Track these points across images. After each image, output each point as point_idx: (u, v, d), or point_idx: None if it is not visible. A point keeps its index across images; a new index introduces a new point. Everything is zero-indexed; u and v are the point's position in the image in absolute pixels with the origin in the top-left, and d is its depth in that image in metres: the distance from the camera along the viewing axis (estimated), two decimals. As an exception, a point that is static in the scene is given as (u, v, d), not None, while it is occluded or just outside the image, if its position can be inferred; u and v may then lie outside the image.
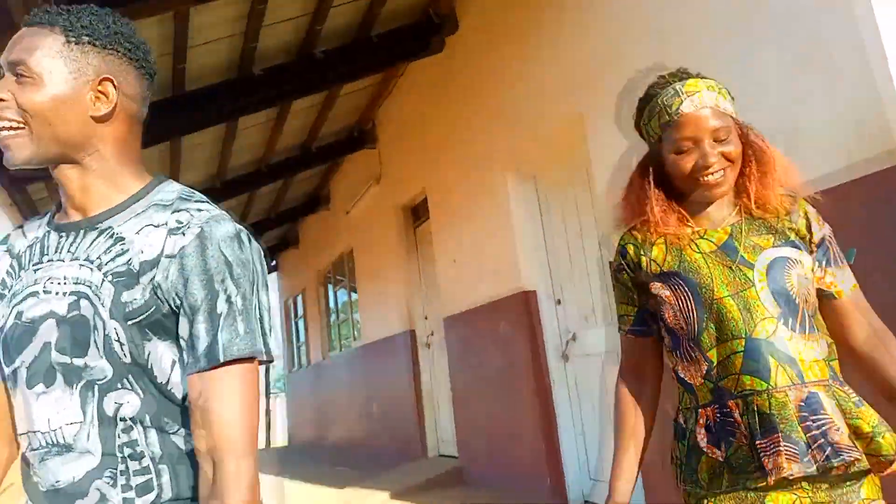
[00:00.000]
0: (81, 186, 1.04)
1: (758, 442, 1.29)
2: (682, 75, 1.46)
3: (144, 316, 0.97)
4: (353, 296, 9.61)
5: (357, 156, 8.15)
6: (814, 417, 1.28)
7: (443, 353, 6.30)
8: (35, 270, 1.01)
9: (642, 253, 1.48)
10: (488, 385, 5.26)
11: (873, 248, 2.37)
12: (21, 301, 0.98)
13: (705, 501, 1.37)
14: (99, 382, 0.97)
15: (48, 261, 1.01)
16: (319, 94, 6.06)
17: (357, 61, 5.37)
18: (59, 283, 0.98)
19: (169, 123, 4.76)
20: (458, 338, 5.84)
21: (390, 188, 7.53)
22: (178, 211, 1.03)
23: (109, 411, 0.97)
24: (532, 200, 4.94)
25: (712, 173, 1.38)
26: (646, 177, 1.49)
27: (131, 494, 0.96)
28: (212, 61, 4.69)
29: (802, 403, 1.29)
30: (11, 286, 1.02)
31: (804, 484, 1.30)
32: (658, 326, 1.50)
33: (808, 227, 1.41)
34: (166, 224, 1.01)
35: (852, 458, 1.26)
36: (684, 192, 1.46)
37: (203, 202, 1.06)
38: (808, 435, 1.27)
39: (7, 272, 1.05)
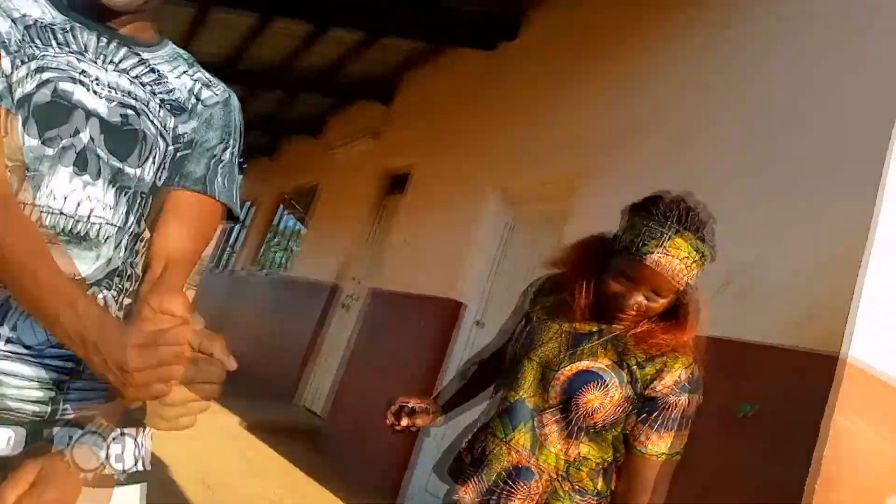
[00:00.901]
0: (137, 20, 1.06)
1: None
2: (680, 227, 1.42)
3: (179, 142, 1.07)
4: (301, 228, 9.58)
5: (366, 104, 8.12)
6: (510, 482, 1.43)
7: (354, 320, 6.33)
8: (75, 57, 0.99)
9: (540, 290, 1.67)
10: (383, 367, 5.32)
11: (774, 406, 2.51)
12: (59, 79, 0.96)
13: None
14: (132, 188, 1.01)
15: (87, 58, 1.00)
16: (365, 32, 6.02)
17: (416, 25, 5.37)
18: (107, 88, 1.00)
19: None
20: (377, 313, 5.88)
21: (382, 149, 7.52)
22: (199, 70, 1.13)
23: (137, 219, 1.03)
24: (500, 222, 5.02)
25: (626, 315, 1.45)
26: (594, 259, 1.53)
27: (123, 287, 1.06)
28: None
29: (512, 468, 1.44)
30: (33, 54, 0.97)
31: None
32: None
33: (652, 380, 1.45)
34: (196, 77, 1.12)
35: None
36: (604, 303, 1.51)
37: (209, 75, 1.18)
38: (490, 488, 1.45)
39: (25, 37, 0.97)
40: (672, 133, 3.65)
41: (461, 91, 6.23)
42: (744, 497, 2.54)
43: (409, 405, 1.69)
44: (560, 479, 1.45)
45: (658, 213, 1.44)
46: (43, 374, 0.93)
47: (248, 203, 12.83)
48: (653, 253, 1.39)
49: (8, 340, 0.92)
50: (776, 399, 2.58)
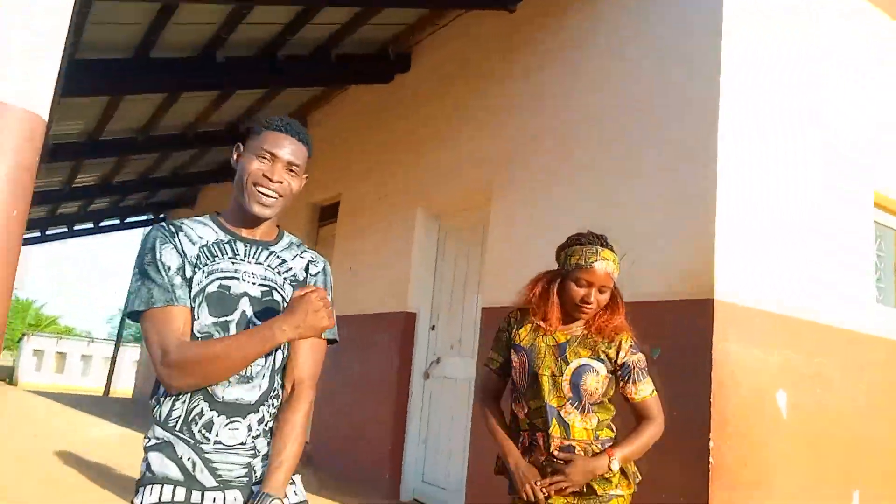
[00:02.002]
0: (266, 224, 1.66)
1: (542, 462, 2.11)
2: (605, 243, 2.18)
3: None
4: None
5: (281, 144, 8.58)
6: (563, 456, 2.10)
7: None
8: (231, 262, 1.59)
9: (515, 327, 2.27)
10: (355, 383, 5.90)
11: (667, 350, 3.27)
12: (224, 279, 1.56)
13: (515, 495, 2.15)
14: (277, 347, 1.58)
15: (241, 260, 1.60)
16: (264, 88, 6.54)
17: (314, 74, 5.93)
18: (251, 276, 1.60)
19: (127, 82, 5.13)
20: (339, 336, 6.42)
21: (308, 185, 8.00)
22: (304, 251, 1.73)
23: (277, 363, 1.62)
24: (433, 237, 5.68)
25: (587, 309, 2.16)
26: (553, 286, 2.22)
27: (275, 410, 1.62)
28: (185, 38, 5.12)
29: (561, 448, 2.11)
30: (208, 264, 1.56)
31: (572, 498, 2.10)
32: (509, 374, 2.28)
33: (616, 354, 2.17)
34: (304, 258, 1.71)
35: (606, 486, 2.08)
36: (565, 304, 2.20)
37: (310, 250, 1.77)
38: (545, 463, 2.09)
39: (200, 254, 1.57)
40: (560, 141, 4.38)
41: (368, 122, 6.82)
42: (673, 409, 3.29)
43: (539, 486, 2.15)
44: (591, 442, 2.11)
45: (587, 240, 2.20)
46: (241, 459, 1.56)
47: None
48: (597, 262, 2.12)
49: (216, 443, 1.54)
50: (674, 340, 3.34)
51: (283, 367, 1.64)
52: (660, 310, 3.40)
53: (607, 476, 2.09)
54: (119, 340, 18.70)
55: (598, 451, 2.11)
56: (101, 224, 13.81)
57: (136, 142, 7.45)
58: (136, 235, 17.84)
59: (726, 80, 3.45)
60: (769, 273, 3.50)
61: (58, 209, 11.29)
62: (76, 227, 13.55)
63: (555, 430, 2.11)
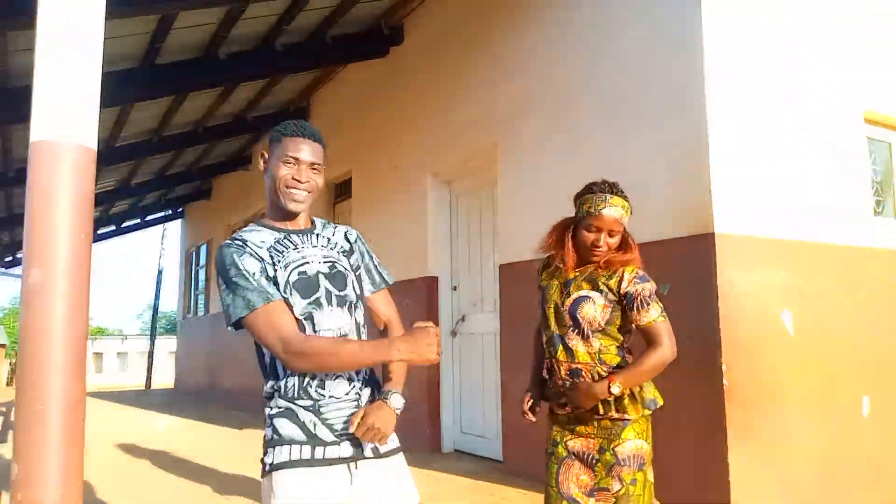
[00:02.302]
0: (303, 215, 1.93)
1: (560, 384, 2.39)
2: (614, 190, 2.37)
3: (356, 269, 1.96)
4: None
5: (287, 127, 8.80)
6: (570, 378, 2.36)
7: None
8: (296, 252, 1.86)
9: (540, 273, 2.55)
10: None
11: (676, 284, 3.51)
12: (299, 266, 1.85)
13: (551, 414, 2.45)
14: (353, 303, 1.89)
15: (302, 247, 1.88)
16: (267, 77, 6.73)
17: (312, 58, 6.11)
18: (316, 257, 1.88)
19: (138, 89, 5.36)
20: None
21: (316, 164, 8.24)
22: (337, 226, 2.02)
23: (359, 318, 1.91)
24: (445, 202, 5.90)
25: (598, 252, 2.38)
26: (568, 231, 2.45)
27: (364, 368, 1.91)
28: (187, 40, 5.32)
29: (570, 371, 2.37)
30: (280, 259, 1.84)
31: (594, 421, 2.35)
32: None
33: (618, 285, 2.37)
34: (339, 231, 2.01)
35: (622, 410, 2.32)
36: (582, 255, 2.43)
37: (339, 225, 2.06)
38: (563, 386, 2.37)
39: (271, 253, 1.84)
40: (558, 99, 4.55)
41: (369, 96, 7.01)
42: (680, 340, 3.54)
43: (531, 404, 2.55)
44: (595, 365, 2.33)
45: (598, 189, 2.40)
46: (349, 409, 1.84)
47: (202, 245, 13.41)
48: (605, 209, 2.32)
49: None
50: (681, 275, 3.57)
51: (366, 326, 1.96)
52: (665, 249, 3.62)
53: (618, 402, 2.31)
54: (154, 334, 19.29)
55: (602, 373, 2.33)
56: (123, 225, 14.20)
57: (150, 143, 7.72)
58: (156, 232, 18.23)
59: (709, 17, 3.59)
60: (765, 200, 3.69)
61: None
62: (99, 232, 13.93)
63: (561, 354, 2.38)
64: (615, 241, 2.36)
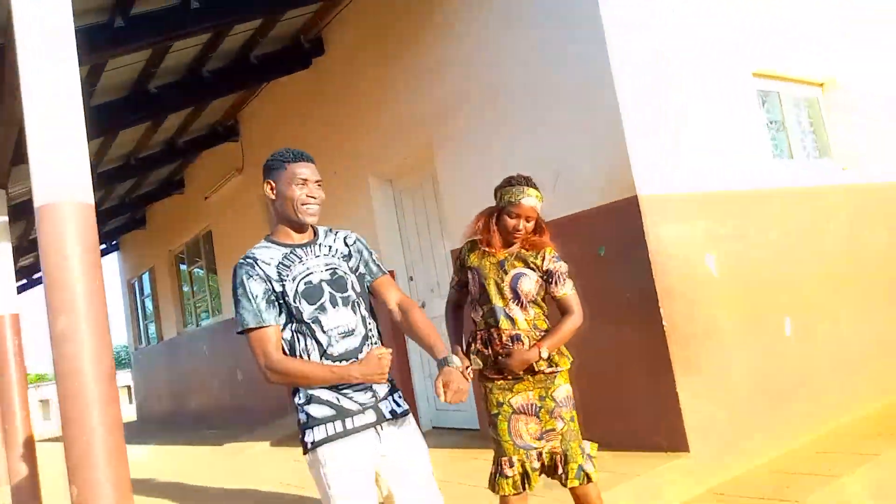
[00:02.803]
0: (309, 229, 2.25)
1: (500, 351, 2.78)
2: (530, 182, 2.84)
3: (357, 270, 2.27)
4: (210, 274, 10.37)
5: (217, 148, 8.92)
6: (510, 343, 2.77)
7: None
8: (303, 262, 2.19)
9: (467, 254, 2.93)
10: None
11: (610, 245, 3.94)
12: (304, 277, 2.18)
13: (484, 380, 2.85)
14: (355, 302, 2.20)
15: (306, 259, 2.19)
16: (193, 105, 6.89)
17: (239, 79, 6.30)
18: (319, 267, 2.19)
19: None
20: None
21: (253, 179, 8.41)
22: (337, 232, 2.33)
23: (363, 313, 2.22)
24: (389, 198, 6.22)
25: (517, 235, 2.82)
26: (492, 218, 2.88)
27: (374, 342, 2.23)
28: (118, 80, 5.45)
29: (511, 337, 2.78)
30: (288, 273, 2.16)
31: (528, 377, 2.77)
32: (467, 288, 2.96)
33: (542, 262, 2.83)
34: (339, 237, 2.32)
35: (554, 364, 2.76)
36: (505, 237, 2.87)
37: (339, 229, 2.37)
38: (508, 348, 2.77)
39: (279, 269, 2.16)
40: (481, 94, 4.91)
41: (298, 108, 7.22)
42: (627, 290, 3.99)
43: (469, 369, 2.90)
44: (531, 330, 2.78)
45: (516, 182, 2.85)
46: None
47: (143, 273, 13.32)
48: (524, 198, 2.79)
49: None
50: (614, 237, 4.01)
51: (370, 316, 2.29)
52: (596, 215, 4.05)
53: (550, 358, 2.76)
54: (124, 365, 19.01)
55: (537, 338, 2.78)
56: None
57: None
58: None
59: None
60: (677, 160, 4.15)
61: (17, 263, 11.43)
62: (34, 277, 13.65)
63: (504, 323, 2.79)
64: (531, 225, 2.84)
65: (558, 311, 2.84)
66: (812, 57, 5.34)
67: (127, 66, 5.30)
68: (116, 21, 4.26)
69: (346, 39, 6.37)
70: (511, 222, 2.81)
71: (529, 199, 2.80)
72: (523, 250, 2.85)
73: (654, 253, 3.86)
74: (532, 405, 2.78)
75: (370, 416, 2.16)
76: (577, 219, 4.16)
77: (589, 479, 2.77)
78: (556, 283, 2.81)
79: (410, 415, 2.30)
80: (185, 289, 11.66)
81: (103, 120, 5.60)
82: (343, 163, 6.52)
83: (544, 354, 2.71)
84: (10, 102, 4.12)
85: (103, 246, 14.38)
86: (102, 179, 7.94)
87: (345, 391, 2.14)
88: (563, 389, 2.80)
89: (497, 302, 2.81)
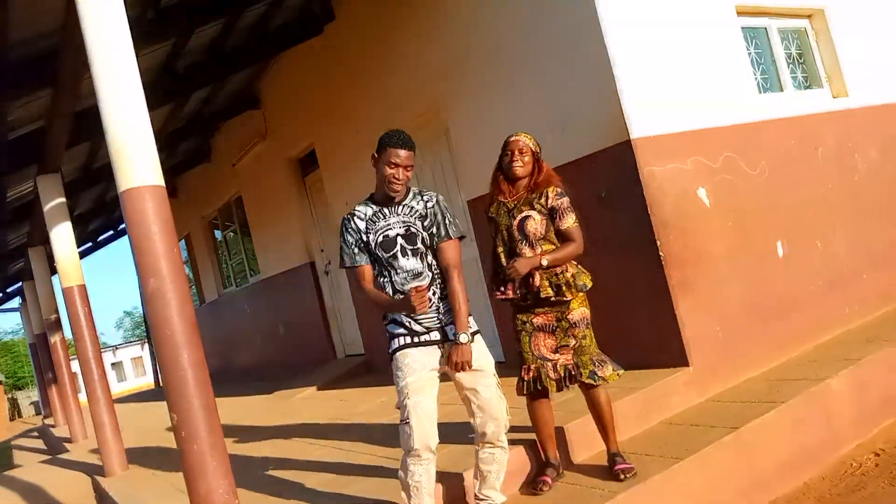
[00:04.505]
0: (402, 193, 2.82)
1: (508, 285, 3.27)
2: (519, 135, 3.35)
3: (429, 228, 2.84)
4: (245, 237, 10.93)
5: (241, 117, 9.36)
6: (530, 277, 3.23)
7: (341, 276, 7.96)
8: (385, 219, 2.85)
9: (489, 207, 3.42)
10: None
11: (610, 187, 4.37)
12: (384, 230, 2.84)
13: (513, 305, 3.36)
14: (422, 252, 2.81)
15: (389, 217, 2.84)
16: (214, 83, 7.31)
17: (258, 52, 6.70)
18: (397, 224, 2.83)
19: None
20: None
21: (278, 143, 8.88)
22: (423, 195, 2.90)
23: (430, 261, 2.82)
24: (406, 155, 6.62)
25: (515, 167, 3.30)
26: (498, 172, 3.40)
27: (439, 286, 2.89)
28: (144, 66, 5.88)
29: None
30: (373, 227, 2.86)
31: (546, 306, 3.26)
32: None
33: (546, 203, 3.29)
34: (423, 199, 2.89)
35: (561, 294, 3.24)
36: (506, 176, 3.36)
37: (426, 191, 2.95)
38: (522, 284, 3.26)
39: (368, 223, 2.87)
40: (487, 50, 5.27)
41: (316, 75, 7.61)
42: (627, 227, 4.41)
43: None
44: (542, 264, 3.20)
45: (510, 135, 3.37)
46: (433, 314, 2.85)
47: (181, 241, 13.96)
48: (513, 136, 3.35)
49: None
50: (613, 179, 4.42)
51: (435, 266, 2.87)
52: (595, 161, 4.46)
53: (559, 290, 3.23)
54: (150, 335, 19.90)
55: (559, 271, 3.26)
56: (99, 240, 14.63)
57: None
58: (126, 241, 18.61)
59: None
60: (667, 102, 4.49)
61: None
62: (79, 250, 14.31)
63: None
64: (528, 159, 3.31)
65: (561, 240, 3.29)
66: (798, -10, 5.59)
67: (156, 52, 5.72)
68: (148, 13, 4.67)
69: (354, 5, 6.71)
70: (506, 159, 3.32)
71: (518, 136, 3.32)
72: (530, 194, 3.30)
73: (648, 189, 4.26)
74: (550, 325, 3.30)
75: (435, 336, 2.84)
76: (579, 164, 4.57)
77: (602, 380, 3.29)
78: (560, 217, 3.28)
79: (479, 335, 2.94)
80: (222, 252, 12.26)
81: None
82: (362, 122, 6.92)
83: (544, 263, 3.19)
84: (65, 97, 4.60)
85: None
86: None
87: (417, 317, 2.81)
88: (577, 312, 3.29)
89: (512, 243, 3.29)
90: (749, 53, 5.25)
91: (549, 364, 3.28)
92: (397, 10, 6.11)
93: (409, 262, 2.82)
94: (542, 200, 3.28)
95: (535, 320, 3.29)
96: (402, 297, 2.77)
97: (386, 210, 2.88)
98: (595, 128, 4.47)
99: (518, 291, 3.24)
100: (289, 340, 9.68)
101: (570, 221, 3.27)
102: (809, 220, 5.17)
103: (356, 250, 2.87)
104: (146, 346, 19.40)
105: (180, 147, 10.16)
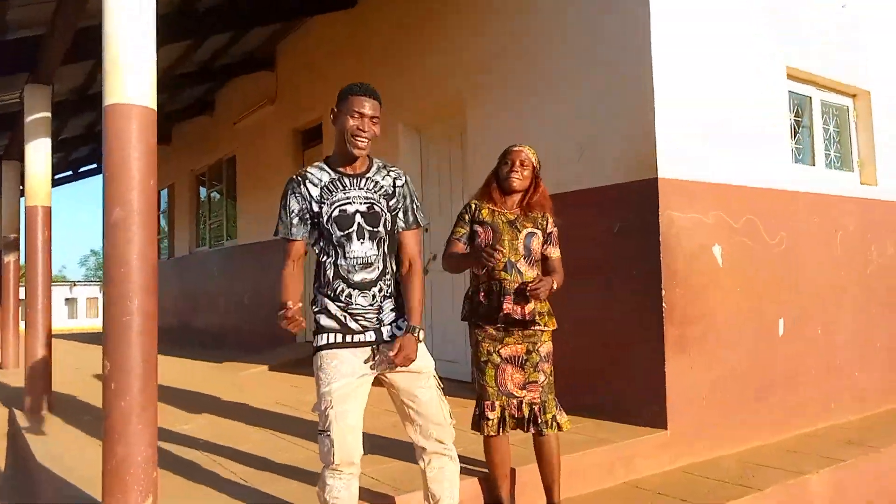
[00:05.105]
0: (361, 160, 2.42)
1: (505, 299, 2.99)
2: (522, 146, 3.15)
3: (394, 210, 2.44)
4: (229, 200, 10.56)
5: (252, 76, 9.03)
6: (523, 295, 2.98)
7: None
8: (343, 192, 2.37)
9: (477, 210, 3.14)
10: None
11: (629, 219, 4.10)
12: (341, 205, 2.36)
13: (478, 329, 3.08)
14: (382, 238, 2.40)
15: (350, 188, 2.39)
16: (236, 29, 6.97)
17: (283, 9, 6.38)
18: (358, 199, 2.39)
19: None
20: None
21: (285, 110, 8.55)
22: (390, 171, 2.49)
23: (386, 250, 2.42)
24: (416, 147, 6.36)
25: (513, 178, 3.07)
26: (493, 179, 3.17)
27: (389, 281, 2.44)
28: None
29: (516, 288, 2.99)
30: (329, 198, 2.37)
31: (518, 332, 3.01)
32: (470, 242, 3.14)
33: (545, 226, 3.11)
34: (390, 175, 2.48)
35: (536, 323, 3.00)
36: (502, 186, 3.13)
37: (392, 166, 2.54)
38: (515, 303, 3.00)
39: (322, 192, 2.38)
40: (520, 55, 5.01)
41: (339, 47, 7.31)
42: (633, 269, 4.15)
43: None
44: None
45: (512, 145, 3.15)
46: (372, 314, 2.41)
47: (162, 190, 13.52)
48: (516, 146, 3.13)
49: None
50: (629, 214, 4.16)
51: (391, 255, 2.47)
52: (617, 192, 4.20)
53: (542, 317, 3.03)
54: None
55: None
56: (80, 170, 14.13)
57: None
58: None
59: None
60: (701, 148, 4.27)
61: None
62: (56, 177, 13.84)
63: (514, 276, 3.03)
64: (527, 174, 3.10)
65: (547, 269, 3.13)
66: (848, 65, 5.41)
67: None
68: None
69: (395, -17, 6.43)
70: (505, 168, 3.10)
71: (522, 147, 3.12)
72: (528, 212, 3.10)
73: (665, 235, 4.02)
74: (519, 357, 3.04)
75: (370, 336, 2.41)
76: (597, 192, 4.31)
77: (560, 428, 3.06)
78: (552, 244, 3.15)
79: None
80: (202, 211, 11.87)
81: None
82: (376, 107, 6.62)
83: (555, 286, 2.97)
84: (70, 5, 4.26)
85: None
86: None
87: (352, 311, 2.38)
88: (547, 346, 3.09)
89: (511, 256, 3.03)
90: (789, 120, 5.05)
91: (515, 402, 3.03)
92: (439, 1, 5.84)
93: (362, 248, 2.37)
94: (544, 222, 3.14)
95: (503, 351, 3.04)
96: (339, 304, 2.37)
97: (346, 180, 2.41)
98: (620, 158, 4.22)
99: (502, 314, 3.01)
100: (252, 312, 9.30)
101: (558, 252, 3.18)
102: (816, 304, 4.95)
103: (296, 220, 2.39)
104: (105, 288, 18.67)
105: (185, 93, 9.80)
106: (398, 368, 2.42)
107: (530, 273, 3.04)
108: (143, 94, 2.43)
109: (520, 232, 3.05)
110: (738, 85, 4.55)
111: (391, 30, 6.46)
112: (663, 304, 3.99)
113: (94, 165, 14.02)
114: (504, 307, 2.98)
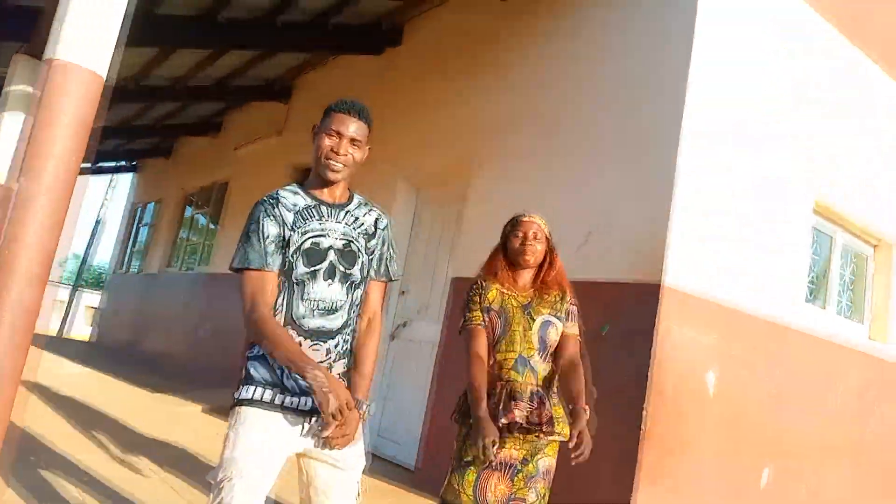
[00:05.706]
0: (341, 188, 2.05)
1: (512, 404, 2.45)
2: (530, 215, 2.70)
3: (373, 253, 2.06)
4: (213, 225, 10.15)
5: (264, 105, 8.79)
6: (538, 400, 2.46)
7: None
8: (318, 223, 1.98)
9: (484, 292, 2.63)
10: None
11: (616, 326, 3.69)
12: (314, 237, 1.96)
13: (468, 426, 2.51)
14: (354, 282, 2.00)
15: (325, 220, 2.00)
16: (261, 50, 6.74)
17: (309, 41, 6.17)
18: (335, 233, 1.99)
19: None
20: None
21: (290, 145, 8.24)
22: (372, 209, 2.12)
23: (355, 298, 2.00)
24: (411, 206, 6.00)
25: (527, 250, 2.61)
26: (500, 253, 2.69)
27: (348, 337, 2.03)
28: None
29: (531, 393, 2.48)
30: (301, 226, 1.98)
31: (520, 435, 2.47)
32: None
33: (566, 307, 2.62)
34: (372, 214, 2.11)
35: (550, 430, 2.45)
36: (512, 262, 2.65)
37: (374, 205, 2.16)
38: (532, 408, 2.45)
39: (296, 217, 1.99)
40: (540, 122, 4.72)
41: (355, 91, 7.06)
42: (615, 379, 3.70)
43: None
44: (540, 386, 2.51)
45: (519, 215, 2.71)
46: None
47: (150, 203, 13.13)
48: (525, 217, 2.68)
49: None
50: (623, 318, 3.75)
51: (360, 306, 2.06)
52: (613, 290, 3.80)
53: (559, 423, 2.49)
54: (77, 284, 18.65)
55: (556, 401, 2.52)
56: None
57: (125, 90, 7.57)
58: (103, 181, 17.71)
59: (694, 80, 3.81)
60: (713, 265, 3.91)
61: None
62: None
63: (527, 377, 2.50)
64: (541, 245, 2.64)
65: (563, 348, 2.60)
66: (875, 213, 5.13)
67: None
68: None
69: (426, 36, 6.25)
70: (516, 241, 2.63)
71: (532, 217, 2.68)
72: (545, 295, 2.61)
73: (659, 349, 3.60)
74: (512, 465, 2.50)
75: (308, 404, 1.92)
76: (591, 286, 3.91)
77: None
78: (571, 320, 2.65)
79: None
80: (183, 232, 11.43)
81: (163, 32, 5.45)
82: (380, 155, 6.28)
83: (587, 416, 2.43)
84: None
85: (122, 162, 14.24)
86: (144, 93, 7.79)
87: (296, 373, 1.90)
88: (548, 461, 2.57)
89: (523, 351, 2.52)
90: (809, 258, 4.72)
91: None
92: (463, 60, 5.61)
93: (328, 290, 1.95)
94: (559, 303, 2.62)
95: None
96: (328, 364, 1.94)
97: (324, 209, 2.03)
98: (625, 254, 3.85)
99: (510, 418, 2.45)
100: (207, 346, 8.73)
101: (576, 329, 2.66)
102: (805, 459, 4.49)
103: (271, 248, 1.94)
104: (77, 293, 18.14)
105: (193, 108, 9.54)
106: (324, 454, 1.95)
107: (544, 370, 2.53)
108: (95, 58, 2.05)
109: (534, 320, 2.55)
110: (763, 206, 4.24)
111: (410, 83, 6.23)
112: (643, 426, 3.53)
113: (88, 164, 13.70)
114: (509, 415, 2.43)
